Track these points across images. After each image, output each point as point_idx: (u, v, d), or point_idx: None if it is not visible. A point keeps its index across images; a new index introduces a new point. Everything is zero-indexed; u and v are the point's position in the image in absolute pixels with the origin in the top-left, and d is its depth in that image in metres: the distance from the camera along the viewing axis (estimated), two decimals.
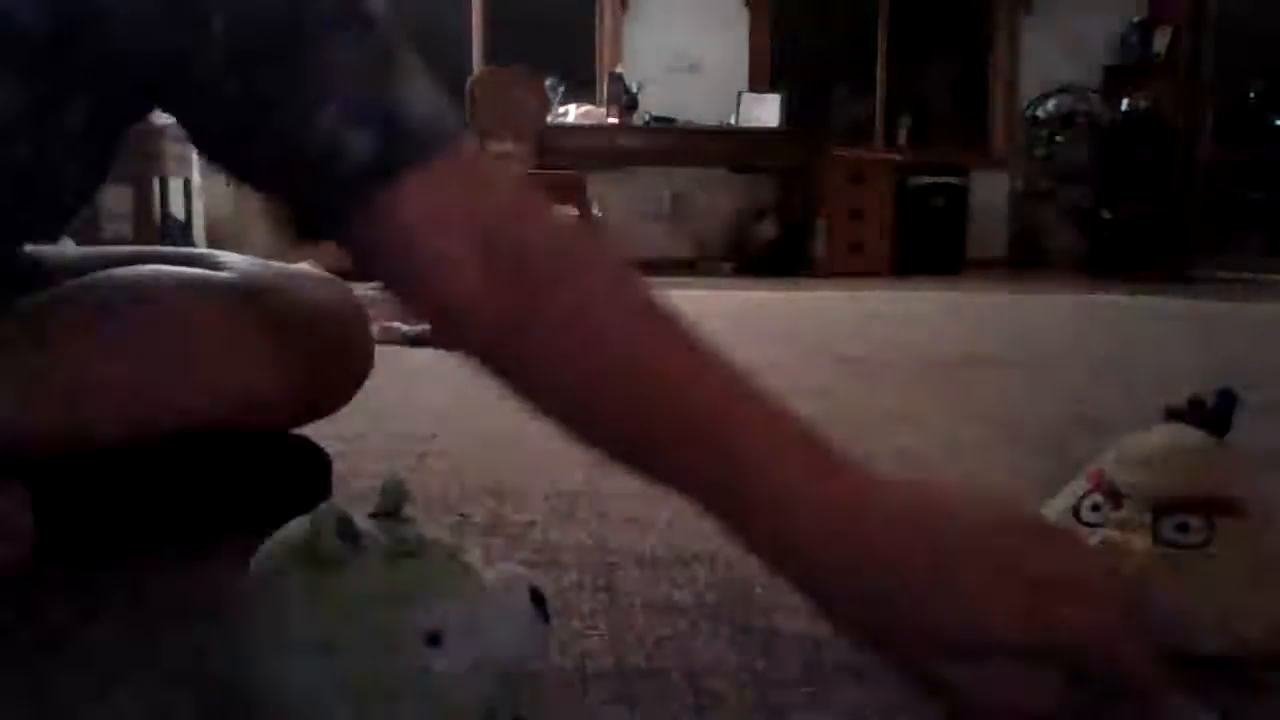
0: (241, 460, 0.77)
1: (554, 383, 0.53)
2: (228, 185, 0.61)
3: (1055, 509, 0.62)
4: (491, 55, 5.75)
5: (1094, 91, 6.20)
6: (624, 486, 0.80)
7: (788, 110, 5.57)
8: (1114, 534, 0.55)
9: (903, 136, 6.18)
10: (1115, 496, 0.57)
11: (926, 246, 5.77)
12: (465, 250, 0.52)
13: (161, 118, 0.73)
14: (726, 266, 5.73)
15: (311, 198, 0.55)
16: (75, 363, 0.67)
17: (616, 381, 0.51)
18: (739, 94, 5.72)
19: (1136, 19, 6.16)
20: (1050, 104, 6.19)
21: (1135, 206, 6.01)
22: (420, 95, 0.55)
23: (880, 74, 6.42)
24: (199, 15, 0.50)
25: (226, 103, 0.52)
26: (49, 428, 0.67)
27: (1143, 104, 6.06)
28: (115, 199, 3.76)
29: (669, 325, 0.52)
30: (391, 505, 0.45)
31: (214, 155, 0.57)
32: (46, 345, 0.67)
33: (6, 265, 0.71)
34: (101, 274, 0.73)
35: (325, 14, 0.53)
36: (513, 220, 0.55)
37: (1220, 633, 0.53)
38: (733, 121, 5.64)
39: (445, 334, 0.56)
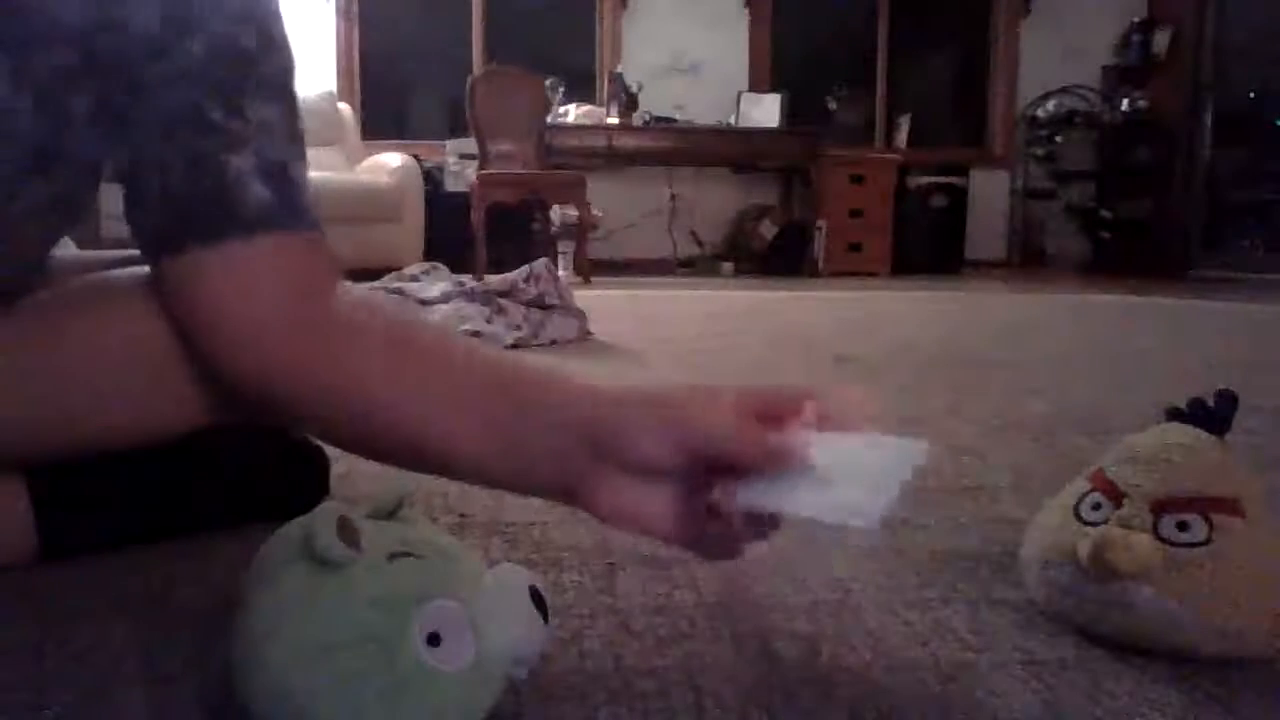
0: (241, 460, 0.77)
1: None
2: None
3: (1056, 509, 0.62)
4: (491, 55, 5.75)
5: (1094, 91, 6.20)
6: None
7: (788, 110, 5.57)
8: (1115, 532, 0.55)
9: (903, 136, 6.17)
10: (1116, 496, 0.57)
11: (926, 246, 5.77)
12: (293, 314, 0.61)
13: None
14: (726, 266, 5.73)
15: (192, 214, 0.60)
16: (74, 365, 0.67)
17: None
18: (739, 94, 5.72)
19: (1136, 19, 6.16)
20: (1050, 104, 6.20)
21: (1135, 206, 6.01)
22: (307, 181, 0.64)
23: (880, 74, 6.42)
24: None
25: (149, 139, 0.59)
26: (49, 430, 0.67)
27: (1143, 104, 6.06)
28: (115, 200, 3.75)
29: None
30: (391, 505, 0.45)
31: (121, 175, 0.63)
32: (45, 347, 0.67)
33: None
34: (99, 275, 0.72)
35: (264, 79, 0.61)
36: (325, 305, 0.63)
37: (1220, 633, 0.53)
38: (733, 121, 5.64)
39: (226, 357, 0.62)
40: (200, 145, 0.59)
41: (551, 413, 0.58)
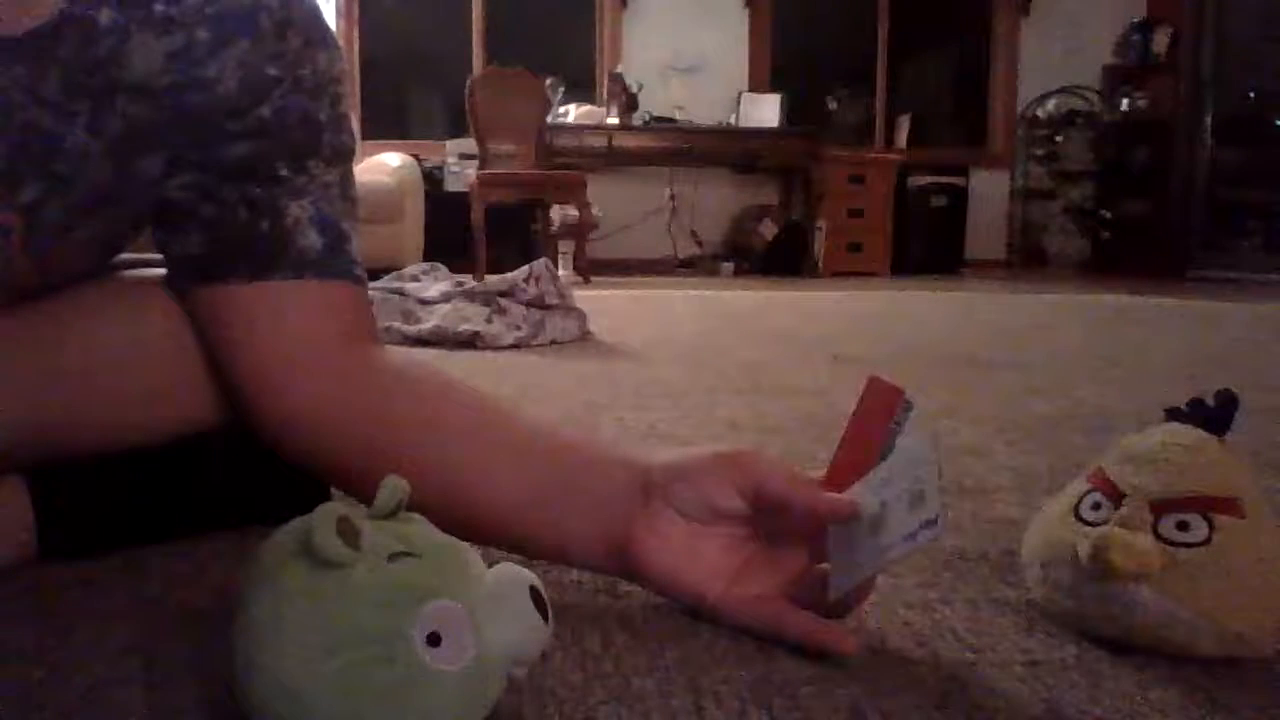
0: (242, 461, 0.77)
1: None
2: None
3: (1055, 509, 0.62)
4: (491, 55, 5.75)
5: (1094, 91, 6.20)
6: None
7: (788, 110, 5.57)
8: (1115, 532, 0.55)
9: (903, 136, 6.18)
10: (1116, 496, 0.57)
11: (926, 246, 5.77)
12: (320, 357, 0.64)
13: None
14: (726, 266, 5.73)
15: (240, 248, 0.63)
16: (81, 365, 0.67)
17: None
18: (739, 94, 5.72)
19: (1136, 19, 6.16)
20: (1050, 104, 6.20)
21: (1135, 206, 6.01)
22: (356, 238, 0.68)
23: (880, 74, 6.42)
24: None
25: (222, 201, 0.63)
26: (54, 430, 0.67)
27: (1142, 104, 6.06)
28: None
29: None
30: (391, 506, 0.45)
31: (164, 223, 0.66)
32: (52, 347, 0.67)
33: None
34: (107, 277, 0.72)
35: (330, 148, 0.65)
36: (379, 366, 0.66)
37: (1220, 633, 0.53)
38: (733, 121, 5.64)
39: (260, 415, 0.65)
40: (263, 192, 0.62)
41: (606, 454, 0.61)
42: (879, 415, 0.55)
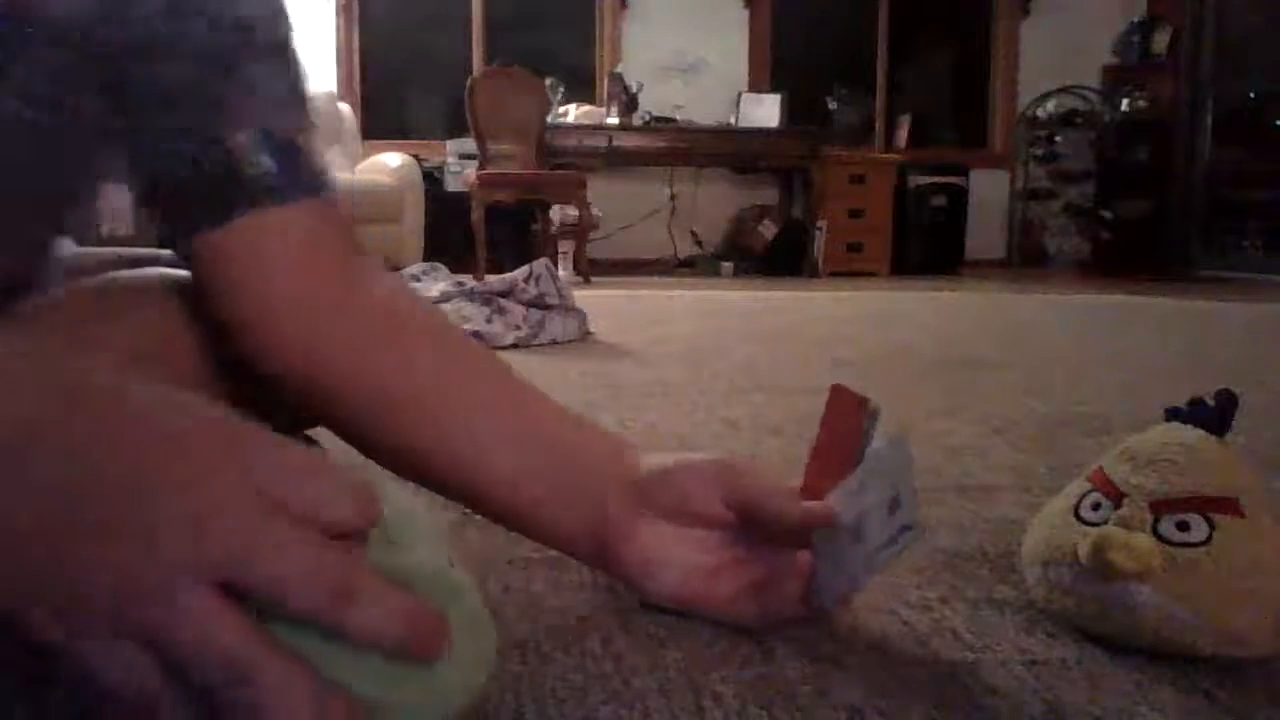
0: None
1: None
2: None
3: (1055, 509, 0.62)
4: (491, 55, 5.75)
5: (1094, 91, 6.20)
6: None
7: (788, 110, 5.57)
8: (1115, 531, 0.55)
9: (903, 136, 6.18)
10: (1116, 496, 0.57)
11: (926, 246, 5.77)
12: (316, 289, 0.59)
13: None
14: (726, 266, 5.73)
15: (200, 197, 0.58)
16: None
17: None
18: (739, 94, 5.72)
19: (1136, 19, 6.16)
20: (1050, 104, 6.20)
21: (1135, 206, 6.01)
22: (317, 147, 0.61)
23: (880, 74, 6.42)
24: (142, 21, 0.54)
25: (147, 105, 0.56)
26: None
27: (1142, 104, 6.06)
28: (115, 196, 3.76)
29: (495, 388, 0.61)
30: (393, 536, 0.43)
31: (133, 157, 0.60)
32: (57, 349, 0.66)
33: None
34: (110, 276, 0.72)
35: (257, 44, 0.58)
36: (359, 280, 0.61)
37: (1220, 633, 0.53)
38: (733, 121, 5.63)
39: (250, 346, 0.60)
40: (203, 123, 0.56)
41: (599, 448, 0.60)
42: (848, 424, 0.56)
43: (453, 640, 0.36)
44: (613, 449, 0.60)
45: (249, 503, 0.33)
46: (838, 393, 0.57)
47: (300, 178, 0.59)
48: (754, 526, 0.57)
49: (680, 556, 0.57)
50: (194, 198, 0.58)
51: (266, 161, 0.57)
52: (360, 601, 0.32)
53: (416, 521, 0.43)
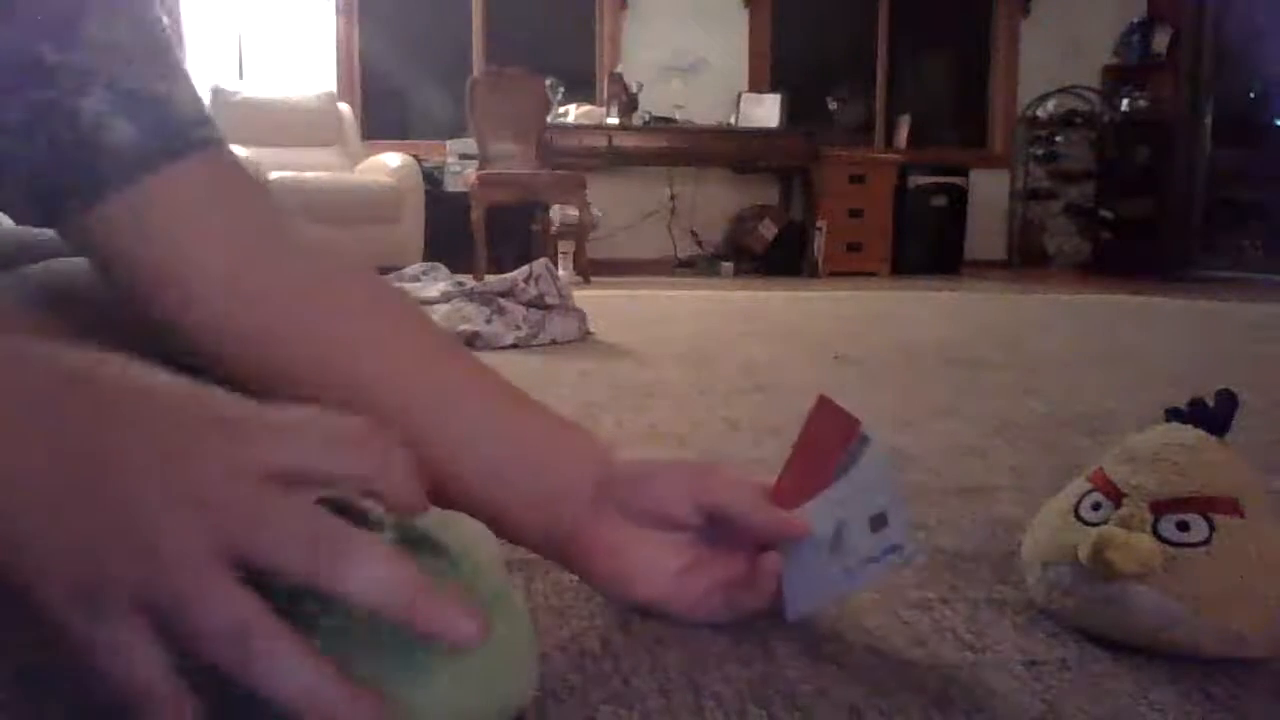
0: None
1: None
2: None
3: (1055, 509, 0.62)
4: (491, 55, 5.75)
5: (1094, 91, 6.20)
6: None
7: (788, 110, 5.57)
8: (1115, 531, 0.55)
9: (903, 136, 6.17)
10: (1116, 496, 0.57)
11: (926, 247, 5.77)
12: (211, 249, 0.52)
13: None
14: (726, 266, 5.73)
15: (60, 177, 0.51)
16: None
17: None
18: (739, 94, 5.72)
19: (1136, 19, 6.16)
20: (1050, 104, 6.19)
21: (1135, 206, 6.01)
22: (186, 94, 0.54)
23: (880, 74, 6.42)
24: None
25: None
26: None
27: (1142, 104, 6.06)
28: None
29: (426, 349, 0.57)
30: (454, 549, 0.43)
31: None
32: None
33: None
34: (45, 265, 0.63)
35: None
36: (266, 229, 0.55)
37: (1220, 633, 0.53)
38: (733, 121, 5.63)
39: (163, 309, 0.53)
40: (45, 99, 0.49)
41: (564, 445, 0.58)
42: (830, 437, 0.56)
43: (495, 640, 0.37)
44: (581, 448, 0.59)
45: (244, 477, 0.33)
46: (824, 405, 0.57)
47: (170, 137, 0.52)
48: (725, 530, 0.57)
49: (648, 558, 0.56)
50: (60, 187, 0.51)
51: (126, 128, 0.50)
52: (360, 566, 0.33)
53: (480, 544, 0.43)
